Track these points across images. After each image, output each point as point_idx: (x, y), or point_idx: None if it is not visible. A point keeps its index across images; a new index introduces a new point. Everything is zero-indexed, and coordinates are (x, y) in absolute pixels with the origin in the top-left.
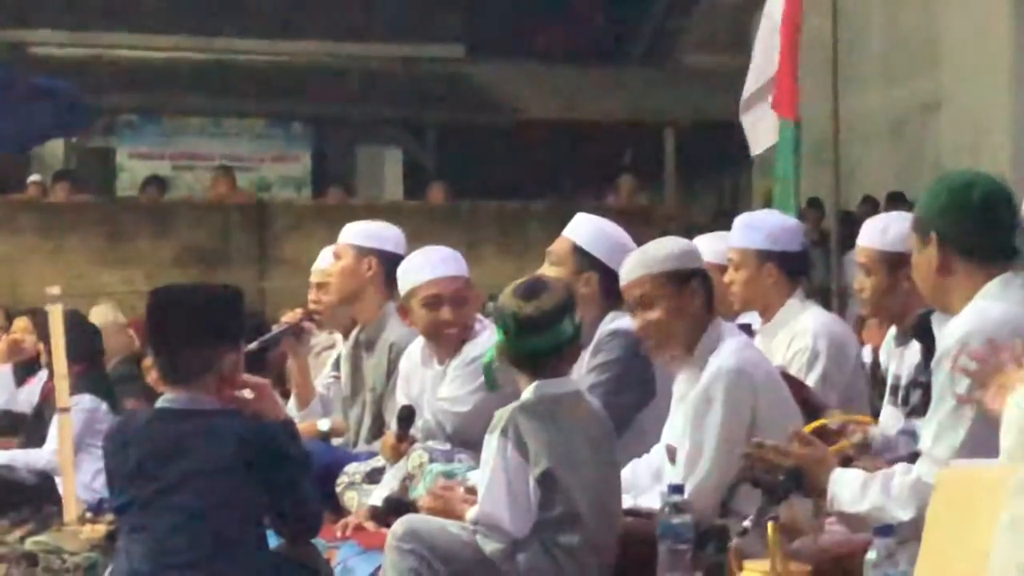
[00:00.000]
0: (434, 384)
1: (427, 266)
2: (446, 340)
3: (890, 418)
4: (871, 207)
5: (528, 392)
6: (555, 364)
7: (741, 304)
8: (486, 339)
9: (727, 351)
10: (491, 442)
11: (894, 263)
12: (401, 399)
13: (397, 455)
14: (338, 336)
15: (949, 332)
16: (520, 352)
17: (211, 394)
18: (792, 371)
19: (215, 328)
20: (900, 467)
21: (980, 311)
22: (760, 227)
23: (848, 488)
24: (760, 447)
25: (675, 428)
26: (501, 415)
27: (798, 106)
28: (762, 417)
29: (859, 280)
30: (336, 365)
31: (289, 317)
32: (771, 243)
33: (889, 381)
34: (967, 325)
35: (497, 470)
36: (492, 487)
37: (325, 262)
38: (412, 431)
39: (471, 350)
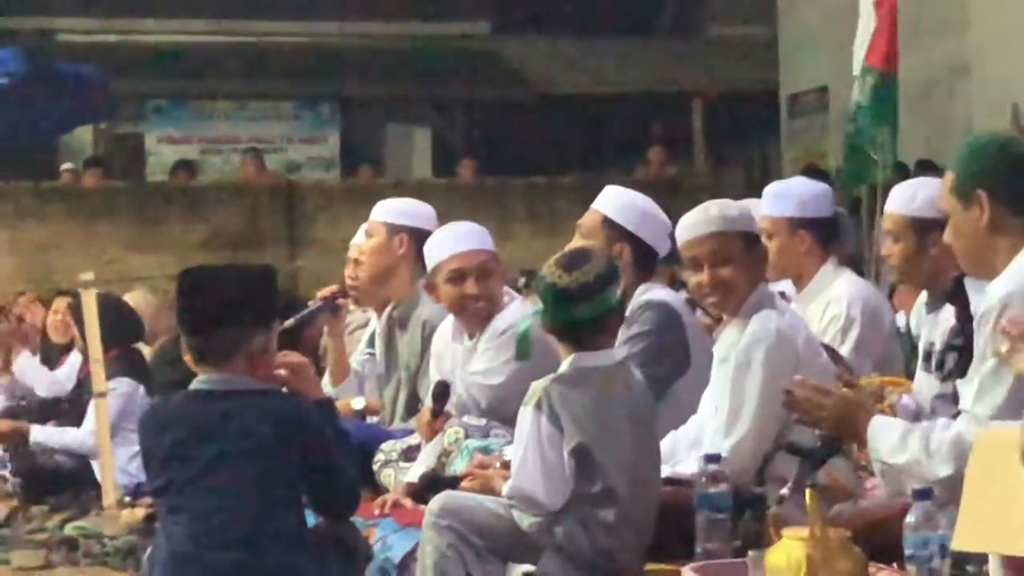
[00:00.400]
0: (465, 359)
1: (450, 241)
2: (473, 314)
3: (924, 384)
4: (902, 174)
5: (565, 364)
6: (596, 335)
7: (776, 273)
8: (515, 310)
9: (769, 315)
10: (525, 414)
11: (922, 228)
12: (435, 376)
13: (433, 432)
14: (372, 314)
15: (992, 291)
16: (559, 323)
17: (245, 374)
18: (827, 338)
19: (245, 308)
20: (941, 422)
21: (1022, 271)
22: (790, 195)
23: (888, 438)
24: (802, 386)
25: (716, 389)
26: (536, 388)
27: (896, 56)
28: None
29: (887, 246)
30: (371, 342)
31: (325, 293)
32: (802, 210)
33: (921, 347)
34: (1010, 285)
35: (531, 443)
36: (526, 460)
37: (361, 237)
38: (447, 407)
39: (500, 322)
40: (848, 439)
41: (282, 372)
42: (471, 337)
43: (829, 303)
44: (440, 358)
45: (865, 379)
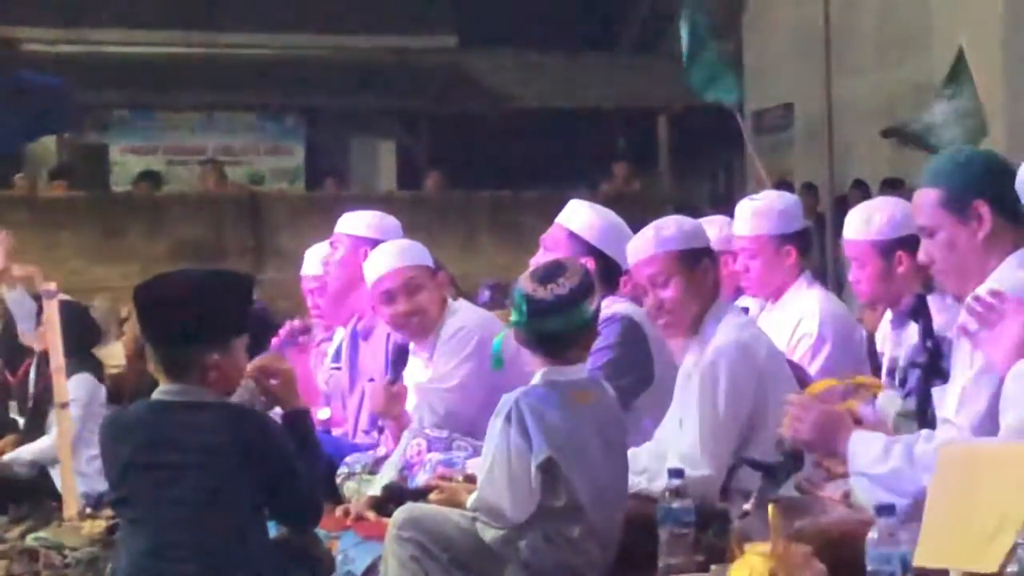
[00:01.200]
0: (421, 372)
1: (374, 264)
2: (413, 331)
3: (886, 401)
4: (862, 192)
5: (536, 378)
6: (569, 349)
7: (757, 290)
8: (464, 315)
9: (730, 328)
10: (495, 426)
11: (886, 251)
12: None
13: (389, 398)
14: (338, 327)
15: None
16: (533, 335)
17: (208, 384)
18: (796, 354)
19: (191, 327)
20: (924, 433)
21: (1005, 280)
22: (771, 212)
23: (869, 449)
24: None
25: (681, 405)
26: (506, 400)
27: None
28: (766, 393)
29: (853, 273)
30: (336, 356)
31: (289, 328)
32: (786, 225)
33: (886, 364)
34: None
35: (499, 455)
36: (493, 472)
37: (313, 267)
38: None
39: (450, 328)
40: (827, 454)
41: (261, 377)
42: (423, 350)
43: (801, 319)
44: (409, 372)
45: (835, 380)
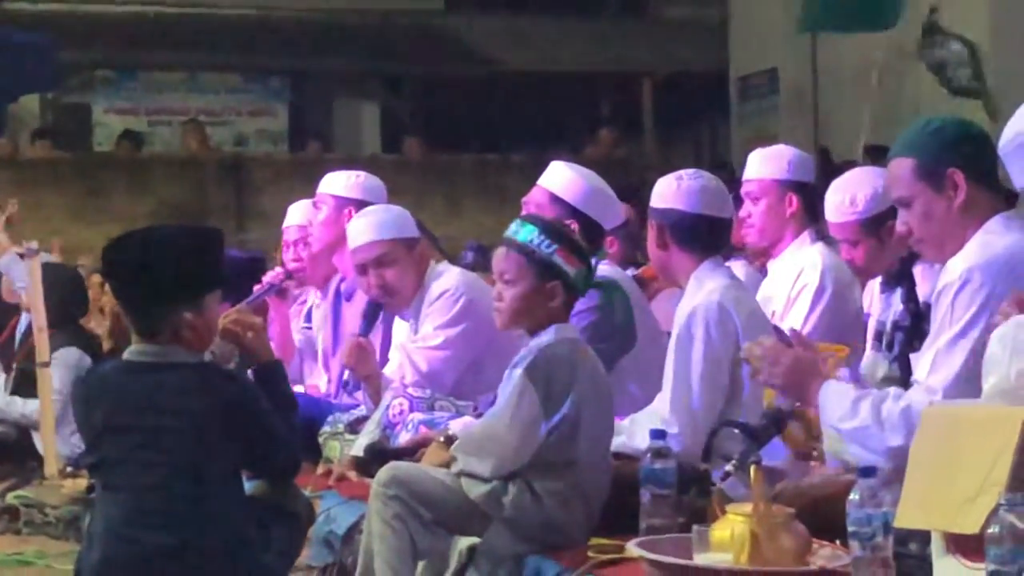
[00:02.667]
0: (406, 336)
1: (353, 234)
2: (384, 302)
3: (871, 364)
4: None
5: (550, 334)
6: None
7: (757, 237)
8: (448, 278)
9: (711, 288)
10: (512, 377)
11: (875, 226)
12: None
13: (358, 350)
14: (310, 289)
15: (952, 267)
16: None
17: (182, 342)
18: (797, 304)
19: (160, 286)
20: (894, 392)
21: (984, 245)
22: (779, 158)
23: (839, 402)
24: (759, 344)
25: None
26: (529, 352)
27: None
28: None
29: (845, 251)
30: (308, 317)
31: (270, 277)
32: (791, 173)
33: (874, 327)
34: (970, 260)
35: (510, 402)
36: (496, 416)
37: (297, 218)
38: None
39: (434, 291)
40: (799, 401)
41: (235, 329)
42: (408, 318)
43: (803, 270)
44: (395, 331)
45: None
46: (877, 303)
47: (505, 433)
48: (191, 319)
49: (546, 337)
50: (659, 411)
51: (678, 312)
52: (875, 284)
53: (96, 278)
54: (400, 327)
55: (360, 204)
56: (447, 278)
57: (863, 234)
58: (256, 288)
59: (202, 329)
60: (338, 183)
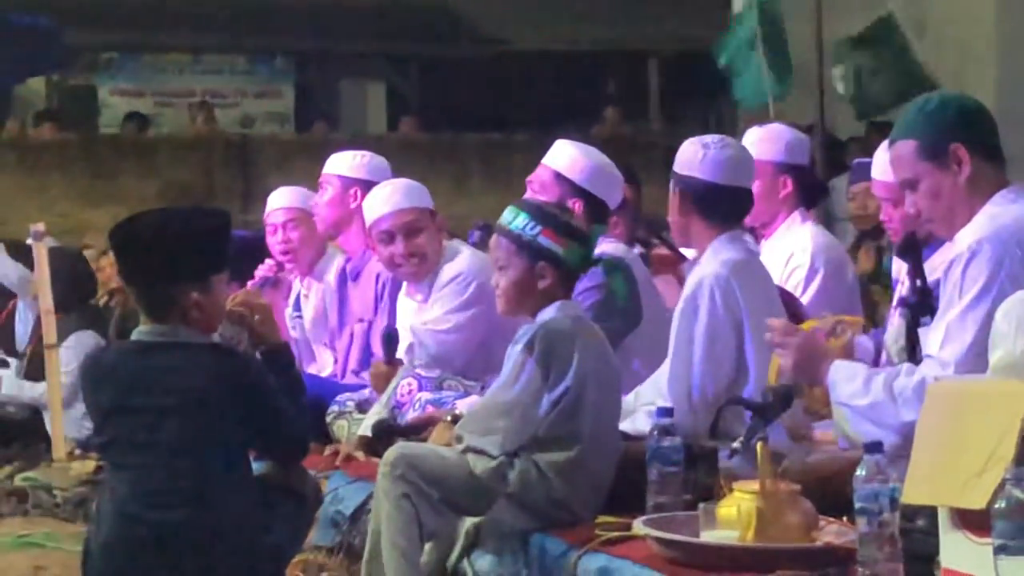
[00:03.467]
0: (416, 315)
1: (378, 202)
2: (407, 273)
3: (894, 331)
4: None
5: (552, 311)
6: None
7: (749, 218)
8: (463, 261)
9: (724, 259)
10: (512, 354)
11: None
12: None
13: (385, 382)
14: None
15: (961, 239)
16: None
17: (189, 323)
18: (788, 287)
19: (168, 266)
20: (905, 367)
21: (992, 217)
22: (776, 139)
23: (851, 380)
24: (770, 330)
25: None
26: (530, 328)
27: None
28: (751, 325)
29: (886, 212)
30: (296, 306)
31: (262, 270)
32: (786, 155)
33: (899, 295)
34: (979, 232)
35: (512, 379)
36: (498, 392)
37: (281, 202)
38: (397, 356)
39: (448, 272)
40: (808, 382)
41: (243, 311)
42: (418, 293)
43: (793, 253)
44: (400, 313)
45: (819, 319)
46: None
47: (507, 409)
48: (199, 299)
49: (547, 313)
50: (659, 383)
51: (689, 280)
52: None
53: (106, 259)
54: (405, 307)
55: (366, 184)
56: (460, 261)
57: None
58: (250, 284)
59: (210, 310)
60: (344, 163)
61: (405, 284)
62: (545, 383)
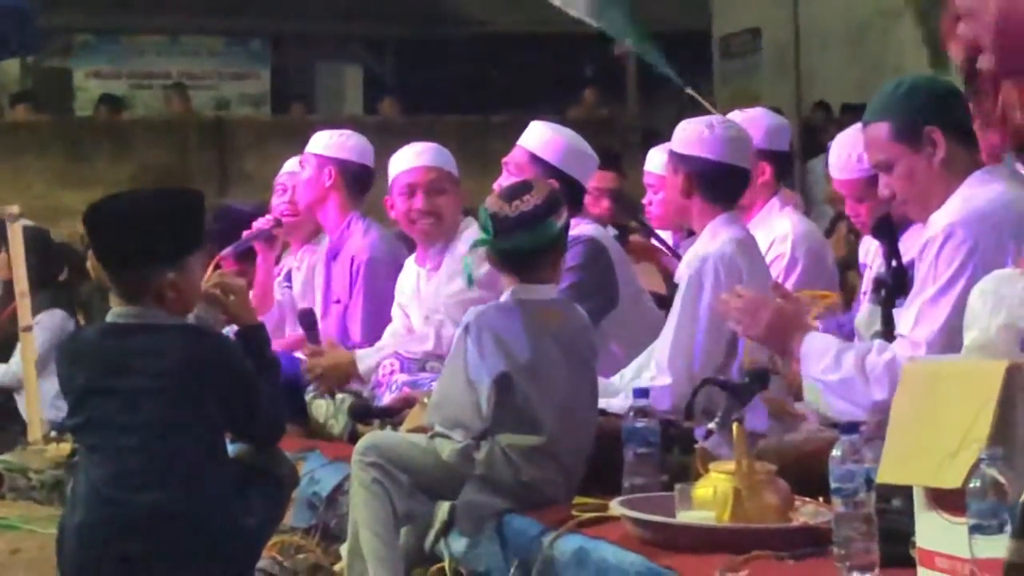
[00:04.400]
0: (424, 284)
1: (408, 156)
2: (422, 230)
3: (866, 316)
4: (825, 113)
5: (505, 295)
6: (536, 267)
7: None
8: (470, 236)
9: (725, 239)
10: (456, 336)
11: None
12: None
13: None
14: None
15: (935, 221)
16: (499, 253)
17: (164, 305)
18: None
19: (152, 244)
20: (877, 344)
21: (966, 199)
22: (756, 126)
23: (821, 354)
24: (739, 295)
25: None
26: (470, 312)
27: None
28: None
29: (850, 207)
30: (287, 277)
31: (260, 223)
32: (767, 142)
33: (870, 278)
34: (953, 215)
35: (455, 365)
36: (449, 381)
37: (291, 167)
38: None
39: (463, 245)
40: (779, 352)
41: (217, 292)
42: (427, 261)
43: (774, 241)
44: (401, 285)
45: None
46: (876, 256)
47: (452, 406)
48: (174, 280)
49: (502, 298)
50: (655, 360)
51: (687, 257)
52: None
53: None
54: (408, 277)
55: (342, 163)
56: (472, 235)
57: (868, 191)
58: (245, 233)
59: (185, 290)
60: (320, 142)
61: (413, 256)
62: (483, 365)
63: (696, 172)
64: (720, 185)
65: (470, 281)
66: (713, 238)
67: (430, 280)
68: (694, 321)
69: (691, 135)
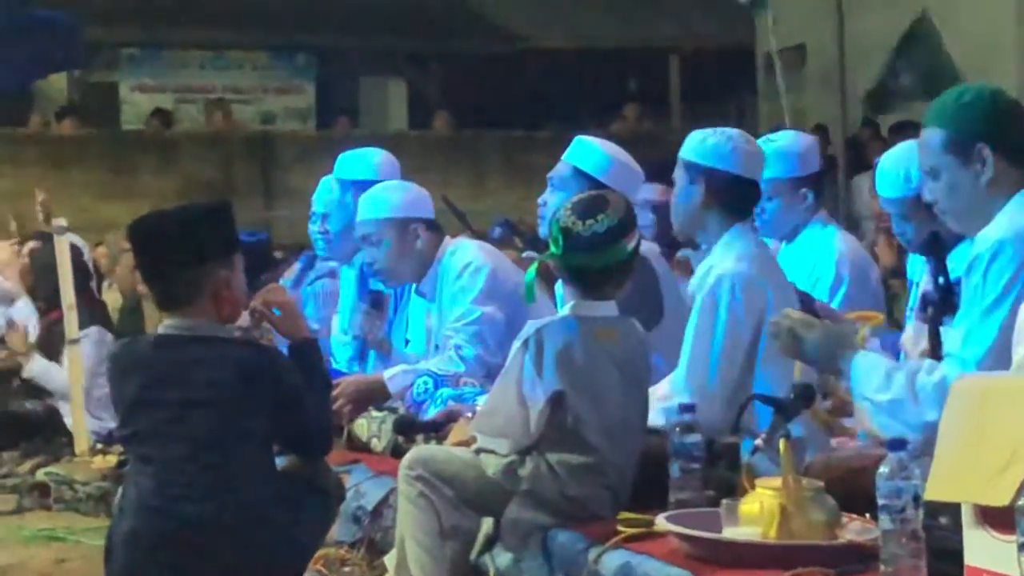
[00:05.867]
0: (426, 314)
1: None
2: (378, 277)
3: (913, 334)
4: (872, 131)
5: (566, 309)
6: (601, 285)
7: (771, 232)
8: (467, 253)
9: (740, 254)
10: (513, 349)
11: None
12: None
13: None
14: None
15: (983, 239)
16: (567, 268)
17: (212, 314)
18: (815, 294)
19: (201, 245)
20: (927, 364)
21: (1014, 217)
22: (790, 154)
23: (872, 374)
24: (787, 316)
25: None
26: (530, 326)
27: None
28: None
29: (897, 225)
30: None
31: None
32: (803, 168)
33: (918, 296)
34: (1001, 232)
35: (511, 378)
36: (502, 393)
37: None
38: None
39: (455, 266)
40: (829, 373)
41: (264, 308)
42: (425, 289)
43: (817, 261)
44: (413, 310)
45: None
46: (923, 273)
47: (502, 418)
48: (227, 277)
49: (561, 312)
50: (671, 380)
51: (700, 270)
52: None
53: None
54: (417, 303)
55: (361, 185)
56: (464, 252)
57: (915, 209)
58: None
59: (237, 289)
60: (340, 166)
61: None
62: (539, 380)
63: (717, 184)
64: (740, 197)
65: (531, 294)
66: (728, 251)
67: (430, 312)
68: (710, 340)
69: (712, 147)
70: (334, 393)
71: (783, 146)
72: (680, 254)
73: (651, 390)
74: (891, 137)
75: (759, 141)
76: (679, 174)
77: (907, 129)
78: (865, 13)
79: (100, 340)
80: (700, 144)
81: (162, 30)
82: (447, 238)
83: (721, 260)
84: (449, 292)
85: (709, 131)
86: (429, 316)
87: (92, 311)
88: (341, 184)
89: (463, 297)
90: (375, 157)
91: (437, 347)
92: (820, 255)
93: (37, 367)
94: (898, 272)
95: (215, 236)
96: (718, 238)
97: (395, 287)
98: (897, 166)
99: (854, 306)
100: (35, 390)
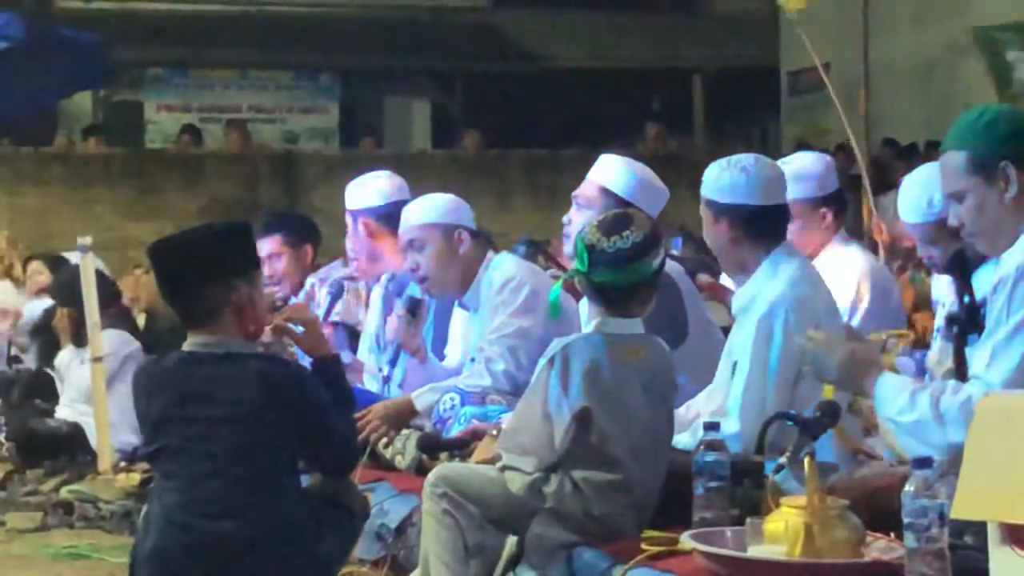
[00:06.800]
0: (465, 326)
1: (400, 218)
2: (423, 284)
3: (938, 354)
4: (893, 150)
5: (589, 327)
6: (626, 303)
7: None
8: (509, 268)
9: (790, 277)
10: (539, 366)
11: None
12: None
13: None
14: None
15: (1008, 259)
16: (592, 285)
17: (235, 330)
18: None
19: (221, 261)
20: (952, 385)
21: None
22: (808, 176)
23: (896, 395)
24: (813, 337)
25: (736, 342)
26: (556, 343)
27: None
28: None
29: (923, 249)
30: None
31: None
32: (821, 189)
33: (944, 316)
34: None
35: (536, 395)
36: (528, 410)
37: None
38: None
39: (497, 280)
40: (853, 391)
41: (288, 326)
42: (468, 303)
43: (839, 279)
44: (454, 322)
45: (873, 334)
46: (949, 292)
47: (526, 435)
48: (250, 293)
49: (585, 330)
50: (727, 405)
51: (745, 292)
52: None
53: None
54: (458, 315)
55: (371, 212)
56: (507, 268)
57: (941, 233)
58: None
59: (259, 304)
60: (349, 196)
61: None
62: (565, 397)
63: (741, 220)
64: (766, 227)
65: (556, 310)
66: (775, 274)
67: (471, 322)
68: (765, 367)
69: (727, 183)
70: (367, 418)
71: (800, 168)
72: (701, 276)
73: (678, 411)
74: (912, 157)
75: (782, 164)
76: (703, 211)
77: (930, 148)
78: (889, 32)
79: (122, 343)
80: (716, 181)
81: (187, 50)
82: (490, 252)
83: (769, 284)
84: (490, 305)
85: (724, 164)
86: (469, 327)
87: (114, 319)
88: (351, 215)
89: (503, 311)
90: (377, 183)
91: (472, 359)
92: (841, 274)
93: (67, 355)
94: (919, 306)
95: (236, 253)
96: (755, 267)
97: (438, 297)
98: (919, 190)
99: (876, 324)
100: (47, 398)
